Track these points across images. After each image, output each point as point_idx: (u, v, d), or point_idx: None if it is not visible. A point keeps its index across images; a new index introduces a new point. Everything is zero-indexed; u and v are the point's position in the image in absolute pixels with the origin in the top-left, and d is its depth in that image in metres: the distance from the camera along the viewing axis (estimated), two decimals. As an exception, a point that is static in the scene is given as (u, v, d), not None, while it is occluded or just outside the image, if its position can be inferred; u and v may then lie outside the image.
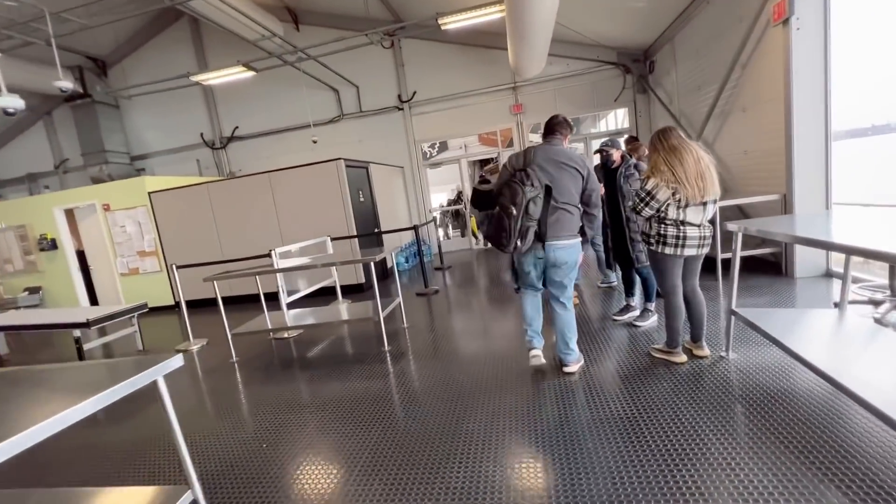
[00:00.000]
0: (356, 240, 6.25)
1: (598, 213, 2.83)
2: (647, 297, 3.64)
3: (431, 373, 3.22)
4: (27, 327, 4.46)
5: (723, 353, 2.79)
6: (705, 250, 2.66)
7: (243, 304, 6.06)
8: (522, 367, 3.08)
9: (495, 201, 2.83)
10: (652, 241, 2.68)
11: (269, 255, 4.57)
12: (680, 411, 2.31)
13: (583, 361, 3.00)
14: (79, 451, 2.79)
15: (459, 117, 9.03)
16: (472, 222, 10.75)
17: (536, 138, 8.99)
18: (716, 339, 3.07)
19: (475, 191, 3.14)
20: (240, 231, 6.67)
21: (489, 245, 3.82)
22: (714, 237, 2.82)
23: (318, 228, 6.18)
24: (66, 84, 4.75)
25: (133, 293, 7.27)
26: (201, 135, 10.10)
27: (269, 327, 3.97)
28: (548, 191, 2.60)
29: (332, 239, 5.78)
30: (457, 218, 11.89)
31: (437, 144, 10.94)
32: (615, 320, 3.74)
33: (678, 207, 2.56)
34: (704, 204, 2.55)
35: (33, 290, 7.59)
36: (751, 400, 2.33)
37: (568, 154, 2.72)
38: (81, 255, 7.70)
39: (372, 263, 3.67)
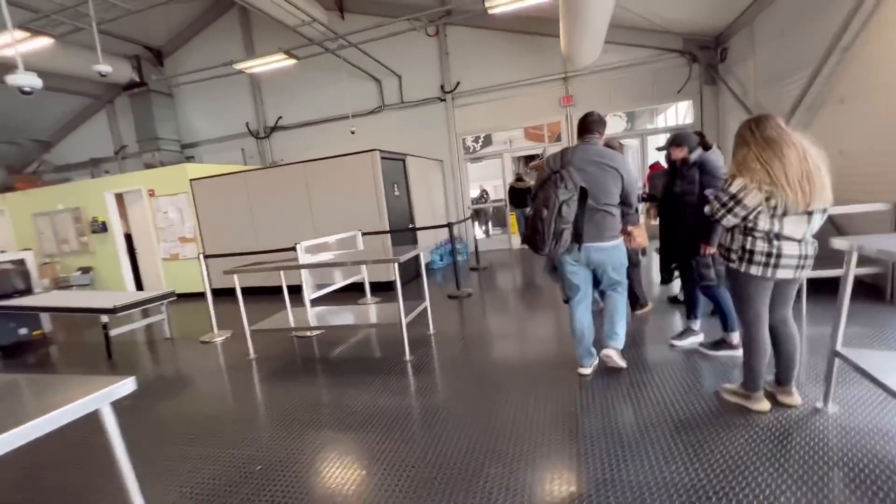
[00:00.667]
0: (388, 236, 5.97)
1: (634, 209, 2.85)
2: (724, 326, 2.97)
3: (454, 393, 2.84)
4: (58, 309, 4.53)
5: (818, 404, 2.22)
6: (805, 273, 2.08)
7: (272, 294, 5.95)
8: (560, 399, 2.64)
9: (531, 200, 2.86)
10: (733, 256, 2.14)
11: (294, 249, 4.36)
12: (760, 478, 1.80)
13: (624, 364, 2.85)
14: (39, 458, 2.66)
15: (504, 109, 8.55)
16: (512, 219, 10.26)
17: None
18: (804, 383, 2.48)
19: (511, 188, 2.79)
20: (275, 221, 6.59)
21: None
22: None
23: (351, 221, 5.95)
24: (106, 68, 4.77)
25: (174, 278, 7.42)
26: (246, 124, 10.23)
27: (287, 326, 3.75)
28: (583, 193, 2.53)
29: (364, 234, 5.53)
30: (479, 216, 11.33)
31: (482, 139, 10.50)
32: (673, 346, 3.19)
33: (773, 216, 2.01)
34: (810, 213, 1.99)
35: (85, 270, 7.93)
36: (857, 470, 1.78)
37: (608, 154, 2.67)
38: (129, 239, 7.97)
39: (396, 265, 3.34)
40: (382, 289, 6.08)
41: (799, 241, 2.03)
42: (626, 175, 2.65)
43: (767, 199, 1.97)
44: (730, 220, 2.09)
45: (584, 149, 2.66)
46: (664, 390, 2.59)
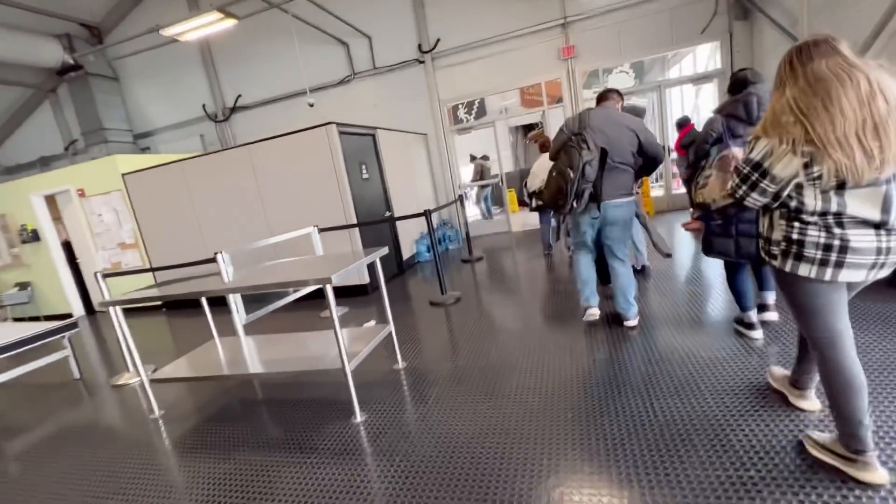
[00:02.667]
0: (356, 230, 4.85)
1: (660, 159, 2.93)
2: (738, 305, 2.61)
3: (424, 487, 1.78)
4: None
5: None
6: (884, 273, 1.38)
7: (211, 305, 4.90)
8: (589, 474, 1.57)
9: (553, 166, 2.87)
10: (775, 250, 1.50)
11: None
12: None
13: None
14: None
15: (494, 69, 7.25)
16: (511, 197, 9.08)
17: (589, 95, 7.05)
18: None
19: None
20: (222, 218, 5.47)
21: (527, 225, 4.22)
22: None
23: (310, 214, 4.84)
24: None
25: (117, 291, 6.36)
26: (203, 106, 9.00)
27: (191, 375, 2.69)
28: (603, 153, 2.64)
29: (322, 230, 4.42)
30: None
31: (475, 108, 9.25)
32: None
33: (822, 191, 1.35)
34: (888, 182, 1.31)
35: (23, 286, 6.91)
36: None
37: (624, 116, 2.84)
38: (70, 248, 6.90)
39: (329, 287, 2.23)
40: (355, 294, 5.01)
41: (878, 227, 1.33)
42: (641, 134, 2.77)
43: (806, 167, 1.34)
44: (757, 200, 1.47)
45: (602, 111, 2.84)
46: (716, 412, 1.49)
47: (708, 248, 2.49)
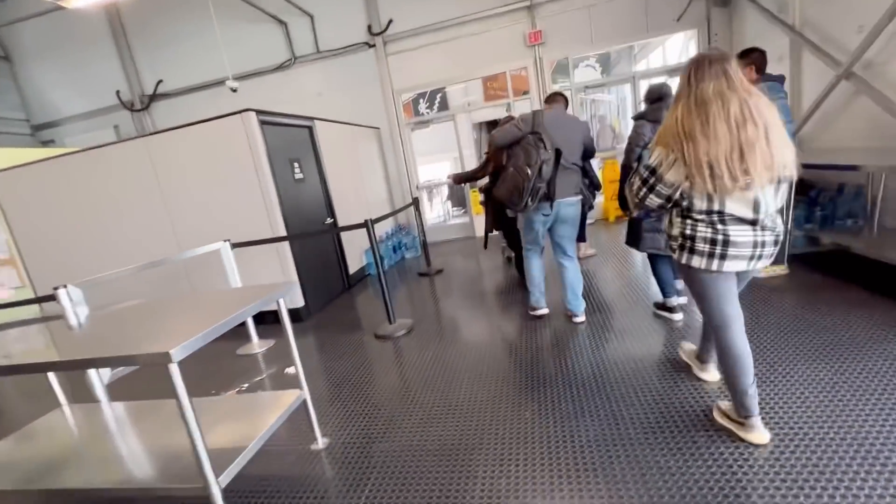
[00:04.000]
0: (286, 245, 3.94)
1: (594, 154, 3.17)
2: (661, 291, 2.90)
3: None
4: None
5: None
6: (762, 263, 1.60)
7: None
8: None
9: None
10: (673, 245, 1.70)
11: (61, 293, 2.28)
12: None
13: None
14: None
15: (454, 55, 6.48)
16: (473, 197, 8.32)
17: (556, 88, 6.39)
18: None
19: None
20: (119, 227, 4.40)
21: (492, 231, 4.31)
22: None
23: (226, 224, 3.90)
24: None
25: (-8, 317, 5.12)
26: (117, 93, 7.70)
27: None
28: (557, 153, 2.71)
29: (235, 246, 3.51)
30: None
31: (437, 103, 8.41)
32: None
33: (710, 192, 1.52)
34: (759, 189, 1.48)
35: None
36: None
37: (572, 117, 3.21)
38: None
39: (174, 367, 1.36)
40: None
41: (753, 224, 1.54)
42: (585, 137, 3.00)
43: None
44: (653, 201, 1.65)
45: (553, 114, 2.93)
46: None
47: (636, 243, 2.81)
